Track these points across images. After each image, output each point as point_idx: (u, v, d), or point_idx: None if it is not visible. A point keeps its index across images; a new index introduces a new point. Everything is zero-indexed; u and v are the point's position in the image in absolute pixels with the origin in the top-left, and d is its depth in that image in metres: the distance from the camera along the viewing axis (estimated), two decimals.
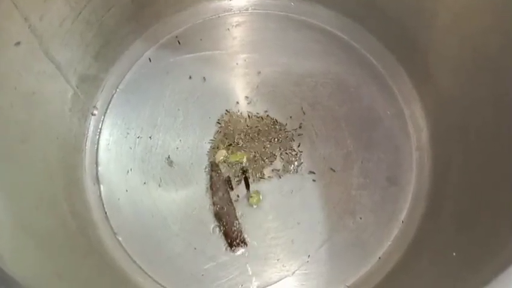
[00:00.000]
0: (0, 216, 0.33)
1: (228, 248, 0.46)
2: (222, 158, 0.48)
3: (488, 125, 0.42)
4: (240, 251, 0.46)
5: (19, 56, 0.39)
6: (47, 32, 0.41)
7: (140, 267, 0.46)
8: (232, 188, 0.48)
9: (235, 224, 0.46)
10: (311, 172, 0.49)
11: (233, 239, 0.46)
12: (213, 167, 0.48)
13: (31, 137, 0.40)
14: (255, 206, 0.48)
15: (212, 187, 0.48)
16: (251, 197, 0.48)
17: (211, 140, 0.50)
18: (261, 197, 0.48)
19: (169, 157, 0.49)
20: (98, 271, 0.43)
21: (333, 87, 0.52)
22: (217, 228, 0.47)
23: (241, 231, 0.47)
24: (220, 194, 0.47)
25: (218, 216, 0.47)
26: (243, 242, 0.46)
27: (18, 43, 0.38)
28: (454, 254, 0.37)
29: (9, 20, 0.37)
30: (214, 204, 0.47)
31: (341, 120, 0.51)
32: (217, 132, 0.50)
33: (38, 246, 0.36)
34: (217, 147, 0.49)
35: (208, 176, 0.48)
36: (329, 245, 0.47)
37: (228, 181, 0.48)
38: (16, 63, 0.38)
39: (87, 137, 0.50)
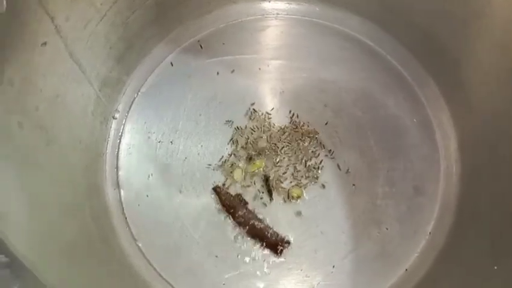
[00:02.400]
0: (28, 222, 0.32)
1: (277, 256, 0.45)
2: (239, 176, 0.47)
3: None
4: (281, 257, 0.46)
5: (45, 57, 0.38)
6: (72, 33, 0.41)
7: (160, 275, 0.45)
8: (246, 202, 0.47)
9: (268, 233, 0.45)
10: (335, 180, 0.48)
11: (277, 246, 0.45)
12: (217, 191, 0.47)
13: (55, 141, 0.40)
14: (294, 201, 0.47)
15: (227, 211, 0.46)
16: (293, 190, 0.47)
17: (228, 154, 0.48)
18: (303, 191, 0.47)
19: (209, 164, 0.48)
20: (119, 278, 0.42)
21: (358, 93, 0.51)
22: (239, 236, 0.46)
23: (277, 235, 0.46)
24: (240, 212, 0.46)
25: (251, 235, 0.46)
26: (286, 242, 0.46)
27: (44, 43, 0.37)
28: (496, 267, 0.35)
29: (37, 20, 0.36)
30: (239, 225, 0.46)
31: (365, 127, 0.50)
32: (232, 142, 0.49)
33: (62, 253, 0.35)
34: (232, 165, 0.48)
35: (217, 199, 0.47)
36: (354, 256, 0.46)
37: (239, 197, 0.47)
38: (42, 65, 0.38)
39: (108, 140, 0.49)
